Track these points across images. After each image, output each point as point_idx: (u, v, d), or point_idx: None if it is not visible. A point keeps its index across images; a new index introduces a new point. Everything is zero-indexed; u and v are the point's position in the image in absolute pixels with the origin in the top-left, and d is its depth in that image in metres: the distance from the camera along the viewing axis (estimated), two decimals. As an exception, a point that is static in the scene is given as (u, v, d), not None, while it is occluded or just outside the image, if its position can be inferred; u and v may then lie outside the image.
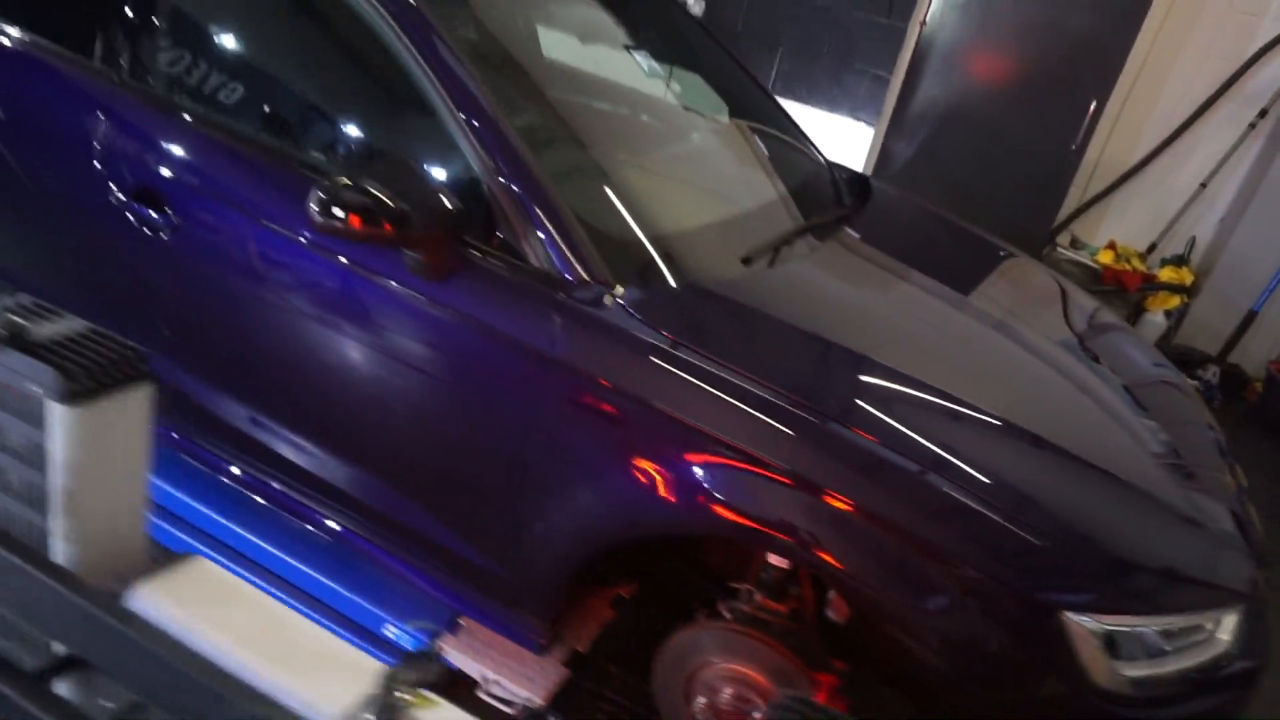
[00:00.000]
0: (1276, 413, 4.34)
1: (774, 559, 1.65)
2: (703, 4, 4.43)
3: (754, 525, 1.49)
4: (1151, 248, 5.12)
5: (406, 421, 1.77)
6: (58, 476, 0.79)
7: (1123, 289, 4.92)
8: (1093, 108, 4.20)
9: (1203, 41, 4.77)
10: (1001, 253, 2.61)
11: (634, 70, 2.56)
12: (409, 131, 1.83)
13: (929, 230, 2.69)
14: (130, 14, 1.96)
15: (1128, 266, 4.95)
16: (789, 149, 2.57)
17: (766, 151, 2.47)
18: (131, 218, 1.91)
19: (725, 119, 2.54)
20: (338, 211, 1.51)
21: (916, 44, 4.30)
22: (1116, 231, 5.21)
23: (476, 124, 1.65)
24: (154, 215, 1.88)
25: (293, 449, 1.95)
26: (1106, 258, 5.02)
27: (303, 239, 1.73)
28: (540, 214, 1.62)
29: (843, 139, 4.28)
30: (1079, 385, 1.93)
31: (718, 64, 2.65)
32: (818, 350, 1.72)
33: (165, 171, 1.87)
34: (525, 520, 1.68)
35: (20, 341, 0.76)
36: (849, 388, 1.63)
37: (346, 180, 1.51)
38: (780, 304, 1.80)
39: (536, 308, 1.58)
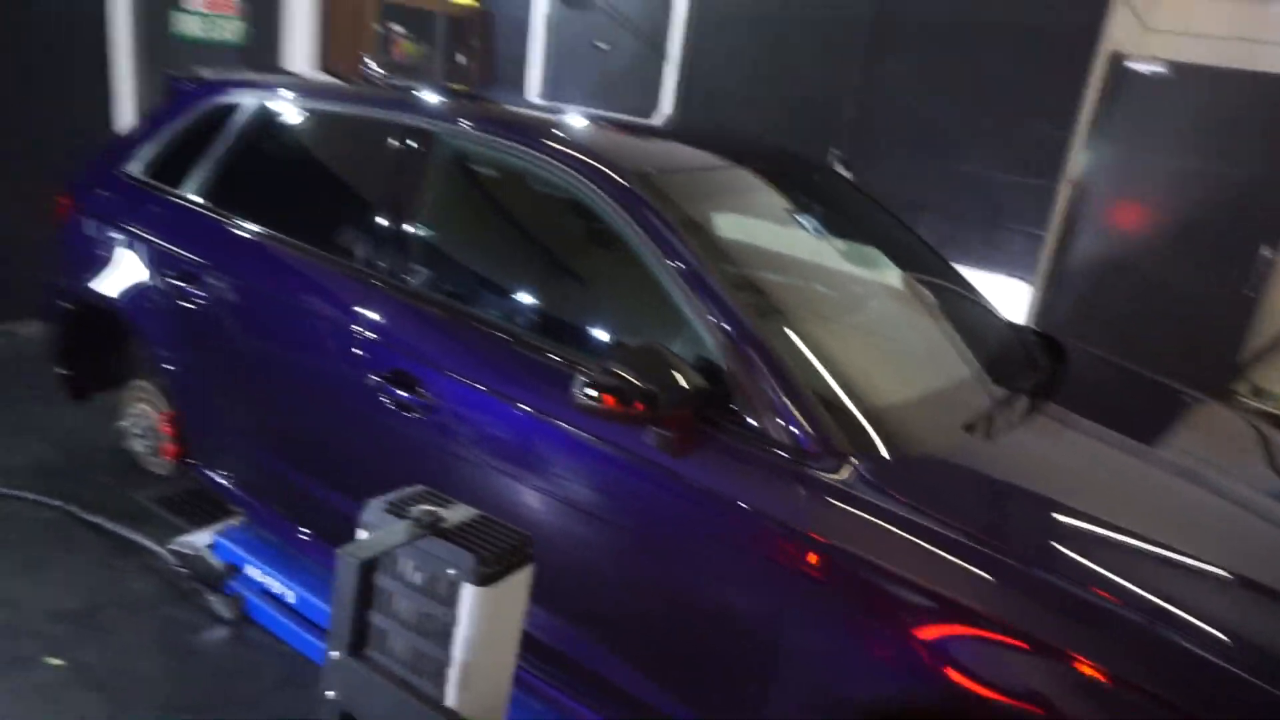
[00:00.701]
0: None
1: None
2: (850, 173, 4.66)
3: (1005, 699, 1.45)
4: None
5: (652, 595, 1.83)
6: (460, 651, 0.89)
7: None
8: (1263, 251, 4.10)
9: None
10: (1195, 400, 2.55)
11: (825, 248, 2.71)
12: (650, 318, 1.99)
13: (1125, 386, 2.66)
14: (390, 230, 2.25)
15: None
16: (977, 313, 2.63)
17: (956, 317, 2.53)
18: (386, 399, 2.12)
19: (910, 286, 2.63)
20: (593, 393, 1.65)
21: (1068, 201, 4.36)
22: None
23: (714, 307, 1.79)
24: (406, 395, 2.08)
25: (545, 622, 2.00)
26: (1293, 407, 4.75)
27: (554, 419, 1.88)
28: (777, 387, 1.71)
29: (999, 296, 4.31)
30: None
31: (894, 234, 2.77)
32: (1049, 514, 1.71)
33: (420, 357, 2.08)
34: (770, 697, 1.68)
35: (439, 530, 0.87)
36: (1082, 550, 1.60)
37: (601, 366, 1.65)
38: (1005, 470, 1.81)
39: (778, 479, 1.65)
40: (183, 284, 2.56)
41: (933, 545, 1.54)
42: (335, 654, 0.99)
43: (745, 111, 4.90)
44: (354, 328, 2.19)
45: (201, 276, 2.53)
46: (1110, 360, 2.77)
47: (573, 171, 2.03)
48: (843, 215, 2.80)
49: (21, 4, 3.98)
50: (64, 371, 3.09)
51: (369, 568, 0.91)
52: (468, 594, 0.86)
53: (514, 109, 2.79)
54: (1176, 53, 4.72)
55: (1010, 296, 4.35)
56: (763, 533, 1.65)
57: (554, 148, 2.10)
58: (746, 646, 1.70)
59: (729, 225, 2.31)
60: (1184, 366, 4.22)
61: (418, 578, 0.90)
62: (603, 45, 5.35)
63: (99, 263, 2.81)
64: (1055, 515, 1.72)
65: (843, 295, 2.46)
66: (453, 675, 0.88)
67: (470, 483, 2.04)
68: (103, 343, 3.03)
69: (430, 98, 2.48)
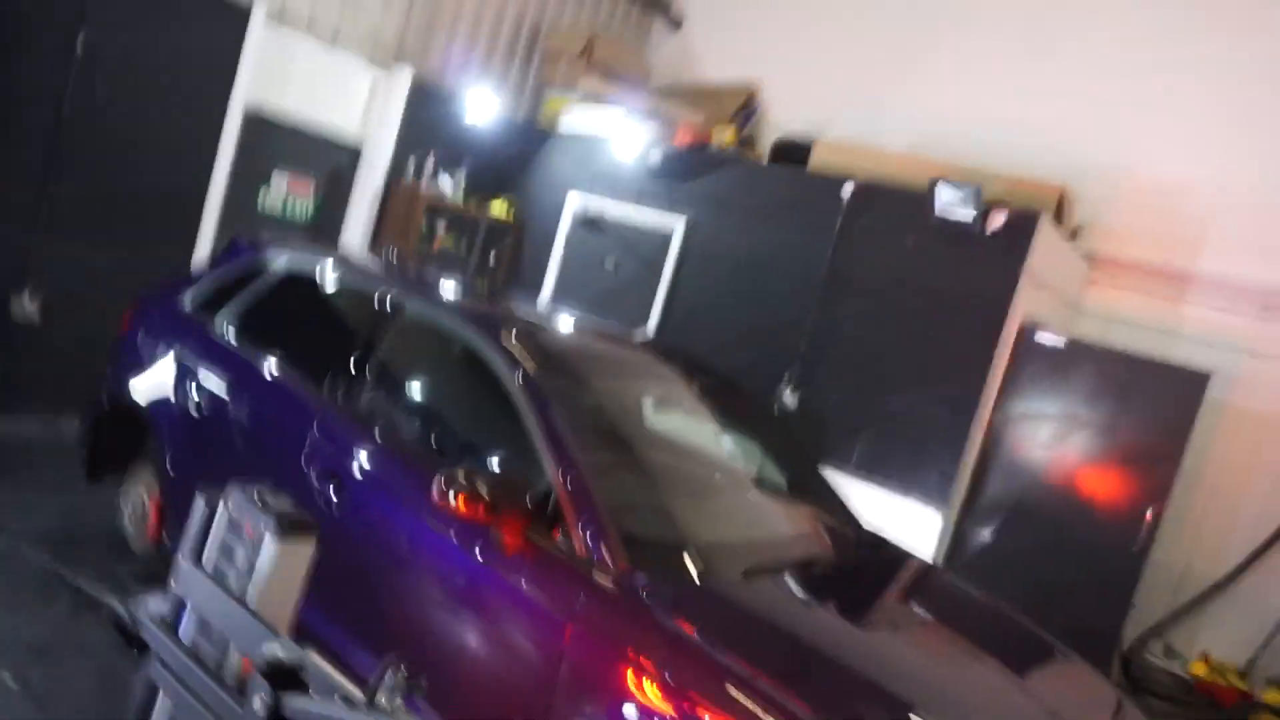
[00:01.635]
0: None
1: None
2: (795, 397, 5.30)
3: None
4: (1251, 664, 5.03)
5: (480, 655, 2.30)
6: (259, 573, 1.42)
7: (1217, 704, 4.80)
8: (1149, 514, 4.54)
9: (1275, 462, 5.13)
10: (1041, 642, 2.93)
11: (710, 437, 3.35)
12: (517, 453, 2.58)
13: (966, 609, 3.07)
14: (353, 366, 2.94)
15: (1222, 681, 4.87)
16: (823, 508, 3.16)
17: (797, 505, 3.07)
18: (316, 488, 2.70)
19: (776, 482, 3.21)
20: (450, 495, 2.22)
21: (982, 444, 4.90)
22: (1211, 643, 5.18)
23: (557, 458, 2.38)
24: (330, 491, 2.66)
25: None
26: (1199, 670, 4.97)
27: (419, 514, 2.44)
28: (587, 518, 2.26)
29: (914, 522, 4.77)
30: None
31: (782, 444, 3.38)
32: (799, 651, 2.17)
33: (345, 461, 2.69)
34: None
35: (261, 498, 1.44)
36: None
37: (463, 472, 2.23)
38: (765, 610, 2.29)
39: (571, 582, 2.17)
40: (196, 396, 3.25)
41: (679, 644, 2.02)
42: (183, 562, 1.53)
43: (715, 333, 5.65)
44: (310, 433, 2.82)
45: (210, 391, 3.22)
46: (956, 581, 3.23)
47: (477, 334, 2.74)
48: (727, 410, 3.44)
49: (144, 172, 5.02)
50: (86, 452, 3.74)
51: (212, 512, 1.48)
52: (267, 541, 1.40)
53: (476, 298, 3.57)
54: (1101, 335, 5.44)
55: (924, 523, 4.80)
56: (550, 618, 2.14)
57: (468, 317, 2.82)
58: (536, 699, 2.13)
59: (609, 399, 2.95)
60: (1078, 612, 4.56)
61: (240, 524, 1.45)
62: (609, 265, 6.27)
63: (138, 370, 3.53)
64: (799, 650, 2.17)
65: (703, 471, 3.04)
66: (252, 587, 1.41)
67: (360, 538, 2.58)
68: (122, 434, 3.69)
69: (442, 288, 3.25)
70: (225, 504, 1.51)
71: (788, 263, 5.50)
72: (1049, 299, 5.25)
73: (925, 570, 3.26)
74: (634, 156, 6.17)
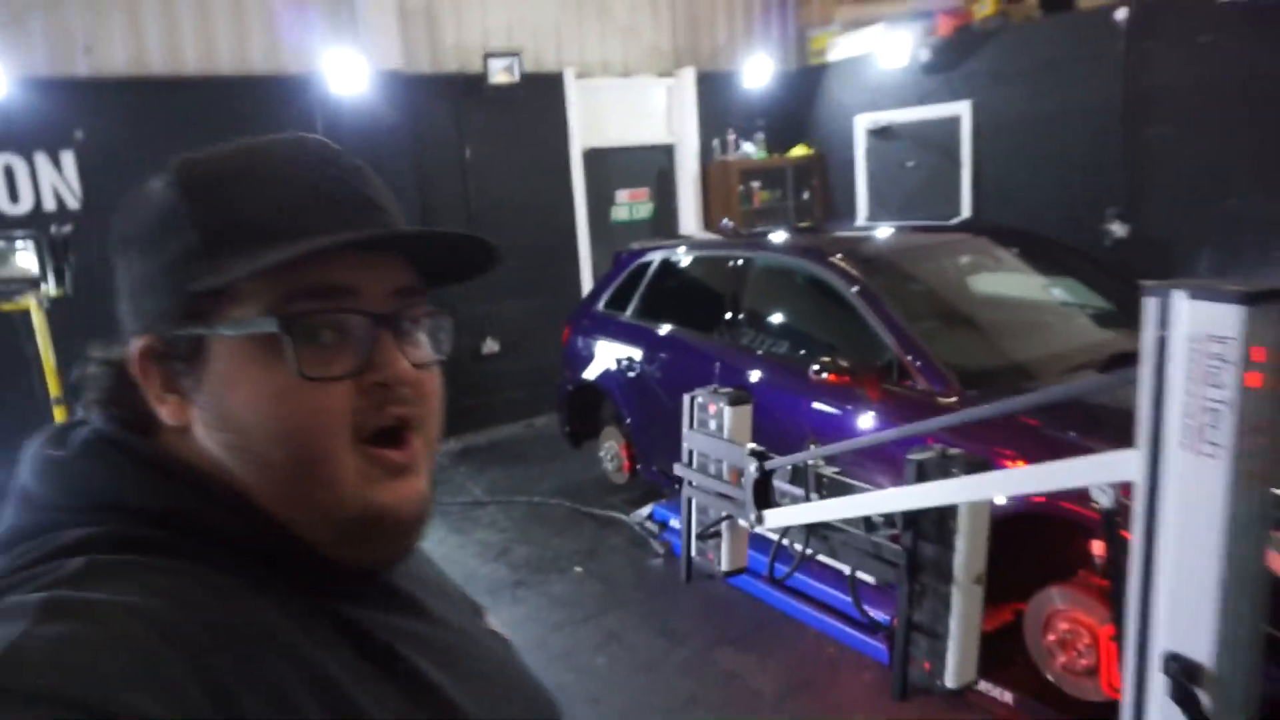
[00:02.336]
0: None
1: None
2: (1126, 228, 5.44)
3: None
4: None
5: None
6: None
7: None
8: None
9: None
10: None
11: (1034, 287, 3.94)
12: (865, 342, 3.44)
13: None
14: (730, 315, 3.99)
15: None
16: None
17: (1118, 321, 3.56)
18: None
19: (1104, 307, 3.72)
20: (823, 373, 3.14)
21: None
22: None
23: (893, 333, 3.21)
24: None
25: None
26: None
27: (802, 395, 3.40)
28: (924, 365, 3.06)
29: None
30: None
31: (1104, 276, 3.88)
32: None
33: (741, 377, 3.75)
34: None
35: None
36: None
37: (828, 359, 3.15)
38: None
39: (924, 410, 2.98)
40: (628, 364, 4.55)
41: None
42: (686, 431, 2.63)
43: (1030, 195, 5.92)
44: (714, 367, 3.93)
45: (635, 359, 4.49)
46: None
47: (812, 264, 3.62)
48: (1046, 261, 3.98)
49: (530, 233, 6.61)
50: (567, 429, 5.27)
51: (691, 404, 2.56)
52: (725, 409, 2.42)
53: (803, 236, 4.46)
54: None
55: None
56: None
57: (800, 252, 3.72)
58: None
59: (933, 279, 3.69)
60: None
61: (706, 405, 2.50)
62: (910, 164, 6.77)
63: (585, 361, 4.94)
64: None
65: (1012, 309, 3.66)
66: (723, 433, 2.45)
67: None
68: (588, 408, 5.14)
69: (774, 238, 4.24)
70: (694, 400, 2.56)
71: (1082, 108, 5.65)
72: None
73: None
74: (904, 61, 6.61)
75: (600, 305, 4.97)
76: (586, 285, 6.74)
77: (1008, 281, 4.05)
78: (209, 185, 0.63)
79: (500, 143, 6.39)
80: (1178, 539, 1.19)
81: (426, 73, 6.06)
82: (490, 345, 6.52)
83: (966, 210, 6.42)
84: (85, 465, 0.63)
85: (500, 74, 6.07)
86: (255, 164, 0.65)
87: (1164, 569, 1.19)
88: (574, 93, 6.61)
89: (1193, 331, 1.12)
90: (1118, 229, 5.49)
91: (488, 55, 6.08)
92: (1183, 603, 1.21)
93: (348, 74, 5.50)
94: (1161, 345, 1.15)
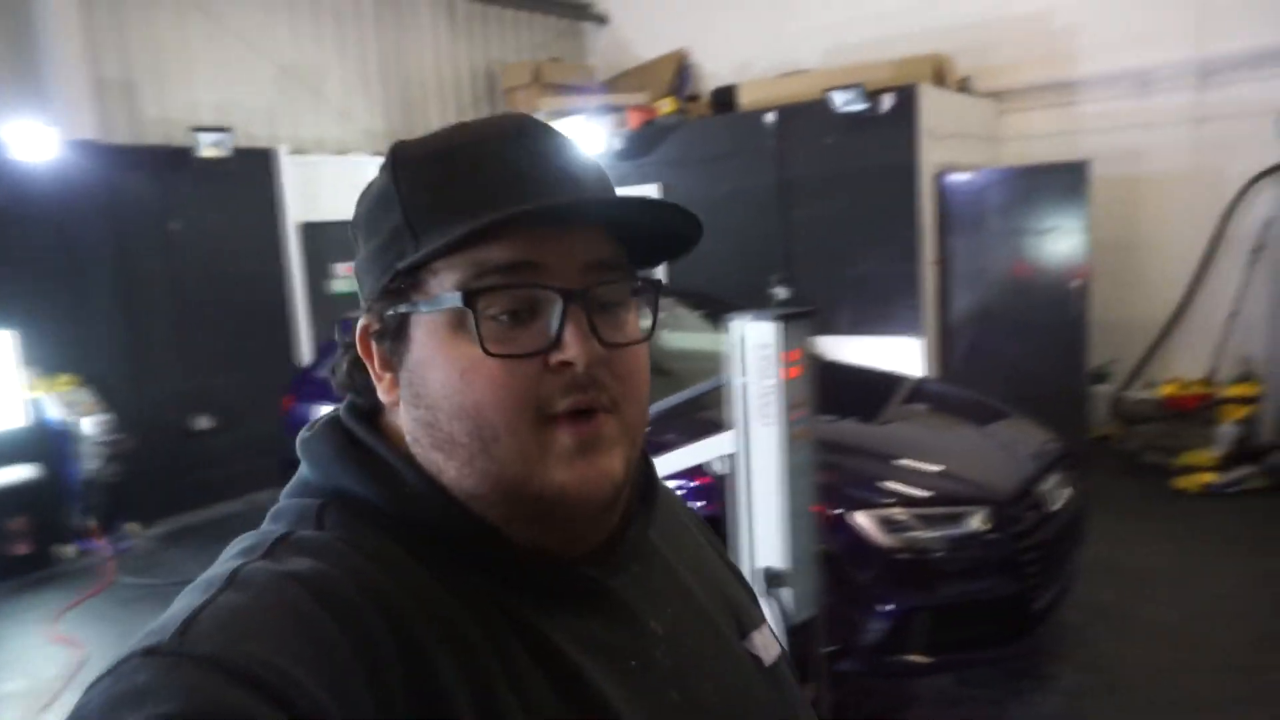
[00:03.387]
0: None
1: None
2: (786, 289, 6.53)
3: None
4: (1213, 371, 6.08)
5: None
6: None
7: (1183, 413, 5.90)
8: (1075, 284, 5.64)
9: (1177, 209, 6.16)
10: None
11: (711, 340, 4.65)
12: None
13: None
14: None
15: (1186, 393, 5.95)
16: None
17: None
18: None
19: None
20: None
21: (935, 275, 6.05)
22: (1181, 367, 6.26)
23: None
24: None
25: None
26: (1169, 390, 6.06)
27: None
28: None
29: (901, 353, 5.99)
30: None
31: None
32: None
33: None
34: None
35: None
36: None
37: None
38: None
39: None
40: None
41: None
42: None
43: (713, 264, 6.87)
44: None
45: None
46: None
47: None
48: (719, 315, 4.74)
49: (253, 298, 6.52)
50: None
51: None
52: None
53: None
54: (1022, 153, 6.53)
55: (909, 351, 6.00)
56: None
57: None
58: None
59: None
60: (1046, 374, 5.71)
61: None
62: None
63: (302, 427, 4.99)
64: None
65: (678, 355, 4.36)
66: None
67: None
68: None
69: None
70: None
71: (748, 191, 6.73)
72: (959, 145, 6.35)
73: (915, 382, 4.51)
74: (601, 149, 7.43)
75: (326, 371, 5.08)
76: (306, 356, 6.75)
77: (689, 336, 4.77)
78: (414, 167, 0.64)
79: (209, 215, 6.30)
80: (760, 485, 1.73)
81: (124, 143, 5.89)
82: (203, 421, 6.30)
83: (663, 276, 7.28)
84: (316, 445, 0.68)
85: (210, 149, 6.03)
86: (457, 144, 0.65)
87: (755, 507, 1.71)
88: (288, 168, 6.69)
89: (754, 343, 1.66)
90: (780, 291, 6.56)
91: (198, 130, 6.03)
92: (765, 529, 1.74)
93: (34, 143, 5.23)
94: (741, 355, 1.67)
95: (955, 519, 2.98)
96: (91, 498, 5.33)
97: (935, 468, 3.23)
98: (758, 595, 0.88)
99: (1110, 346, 6.34)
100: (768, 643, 0.77)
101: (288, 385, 5.37)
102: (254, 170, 6.50)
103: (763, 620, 0.79)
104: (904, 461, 3.25)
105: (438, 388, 0.62)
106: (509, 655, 0.58)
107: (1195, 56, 6.06)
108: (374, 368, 0.67)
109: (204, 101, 6.35)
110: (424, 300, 0.62)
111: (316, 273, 7.12)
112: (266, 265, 6.68)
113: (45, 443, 5.25)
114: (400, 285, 0.63)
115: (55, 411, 5.26)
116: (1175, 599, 3.99)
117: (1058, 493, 3.34)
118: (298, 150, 6.81)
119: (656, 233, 0.67)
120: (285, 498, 0.68)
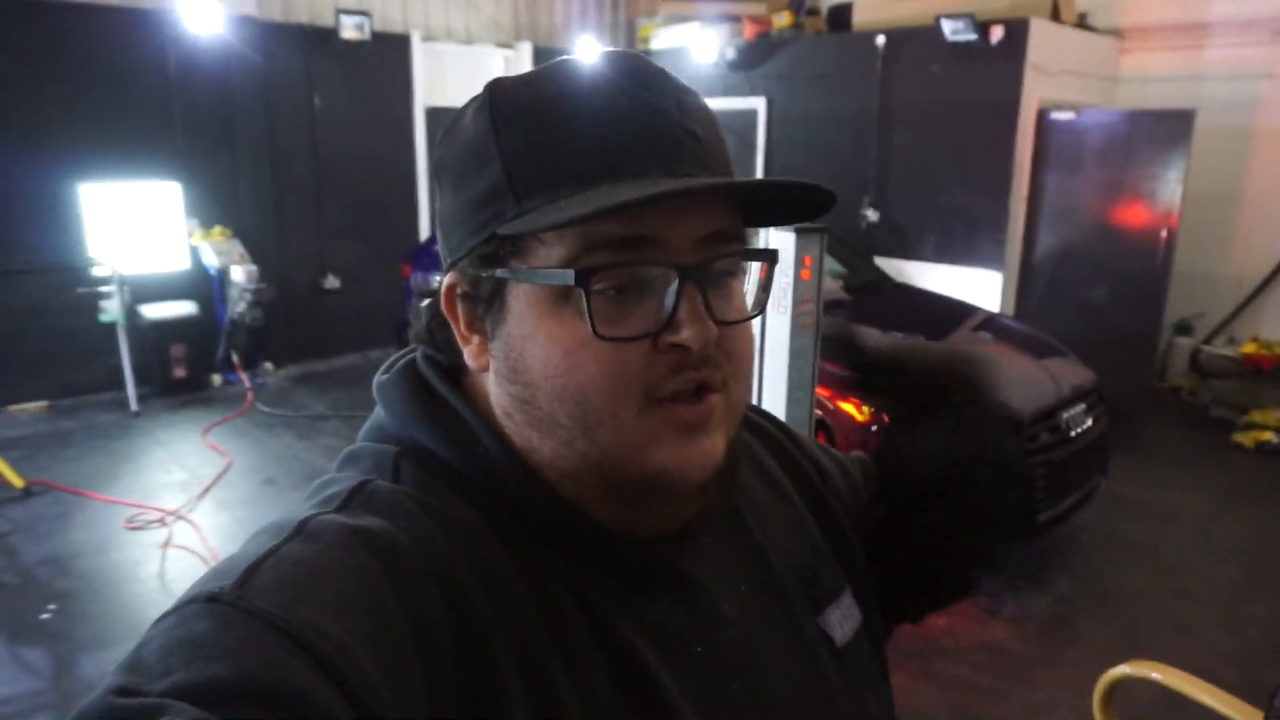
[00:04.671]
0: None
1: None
2: (876, 213, 6.71)
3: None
4: (1294, 337, 6.07)
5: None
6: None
7: (1261, 371, 5.94)
8: (1164, 234, 5.68)
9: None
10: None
11: None
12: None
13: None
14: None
15: (1266, 352, 5.98)
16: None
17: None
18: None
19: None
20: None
21: (1026, 212, 6.15)
22: (1266, 329, 6.26)
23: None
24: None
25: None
26: (1249, 349, 6.09)
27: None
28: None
29: (982, 285, 6.17)
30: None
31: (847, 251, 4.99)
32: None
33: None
34: None
35: None
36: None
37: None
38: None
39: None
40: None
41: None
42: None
43: (806, 176, 7.11)
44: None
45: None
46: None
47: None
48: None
49: (383, 174, 7.16)
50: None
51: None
52: None
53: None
54: (1140, 96, 6.46)
55: (989, 284, 6.18)
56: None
57: None
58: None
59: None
60: (1123, 322, 5.83)
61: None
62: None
63: (412, 293, 5.63)
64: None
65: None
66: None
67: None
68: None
69: None
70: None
71: (850, 112, 6.89)
72: (1070, 82, 6.32)
73: (987, 314, 4.80)
74: (714, 57, 7.64)
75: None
76: (424, 231, 7.40)
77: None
78: (517, 113, 0.58)
79: (348, 95, 6.90)
80: (771, 363, 2.16)
81: (278, 20, 6.48)
82: (332, 281, 7.05)
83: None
84: (393, 391, 0.65)
85: (350, 30, 6.57)
86: (566, 91, 0.58)
87: (765, 381, 2.15)
88: (419, 54, 7.20)
89: (782, 249, 2.07)
90: (871, 214, 6.78)
91: (340, 11, 6.57)
92: (773, 398, 2.18)
93: (201, 14, 5.85)
94: (774, 260, 2.08)
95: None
96: (237, 337, 6.17)
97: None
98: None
99: (1196, 299, 6.37)
100: (845, 616, 0.73)
101: (407, 256, 6.01)
102: (389, 54, 7.03)
103: (844, 588, 0.74)
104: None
105: (538, 366, 0.58)
106: (573, 643, 0.57)
107: (1336, 9, 5.82)
108: (459, 328, 0.63)
109: (348, -16, 6.86)
110: (525, 270, 0.57)
111: (438, 155, 7.67)
112: (396, 144, 7.28)
113: (202, 285, 6.10)
114: (499, 250, 0.58)
115: (211, 258, 6.06)
116: (1189, 538, 4.27)
117: (1079, 419, 3.65)
118: (428, 38, 7.29)
119: (782, 199, 0.63)
120: (363, 439, 0.67)
